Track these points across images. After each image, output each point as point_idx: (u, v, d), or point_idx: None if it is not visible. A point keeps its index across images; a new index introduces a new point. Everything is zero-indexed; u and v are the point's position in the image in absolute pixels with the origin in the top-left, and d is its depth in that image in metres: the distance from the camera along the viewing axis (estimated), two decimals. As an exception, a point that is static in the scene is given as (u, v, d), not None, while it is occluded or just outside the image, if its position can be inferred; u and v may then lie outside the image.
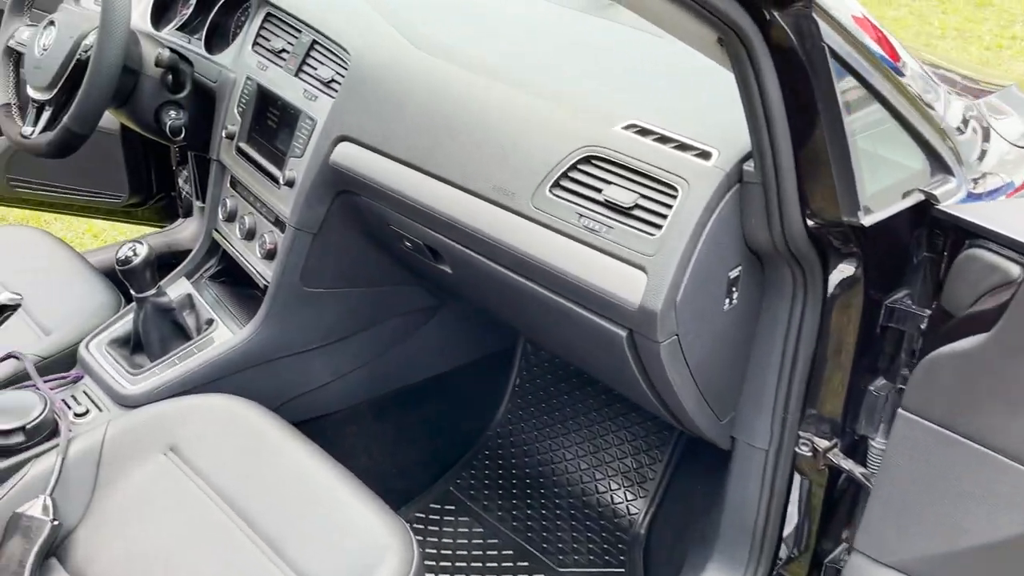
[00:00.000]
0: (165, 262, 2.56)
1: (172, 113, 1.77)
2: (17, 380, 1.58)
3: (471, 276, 1.38)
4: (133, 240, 1.54)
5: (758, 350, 1.25)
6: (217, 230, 1.78)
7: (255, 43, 1.72)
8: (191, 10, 1.93)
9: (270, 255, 1.59)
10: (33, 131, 1.72)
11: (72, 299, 1.78)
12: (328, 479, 1.26)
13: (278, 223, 1.59)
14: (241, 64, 1.72)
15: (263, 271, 1.61)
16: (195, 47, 1.86)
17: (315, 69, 1.54)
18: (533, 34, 1.55)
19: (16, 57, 1.84)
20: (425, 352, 1.87)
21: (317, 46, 1.56)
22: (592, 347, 1.22)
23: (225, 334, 1.60)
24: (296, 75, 1.58)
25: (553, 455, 1.93)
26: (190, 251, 2.59)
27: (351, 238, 1.56)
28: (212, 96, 1.79)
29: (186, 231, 2.60)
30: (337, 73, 1.50)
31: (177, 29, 1.95)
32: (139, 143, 2.53)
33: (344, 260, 1.59)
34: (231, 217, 1.72)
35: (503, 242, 1.21)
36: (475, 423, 2.00)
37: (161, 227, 2.78)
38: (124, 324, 1.66)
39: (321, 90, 1.51)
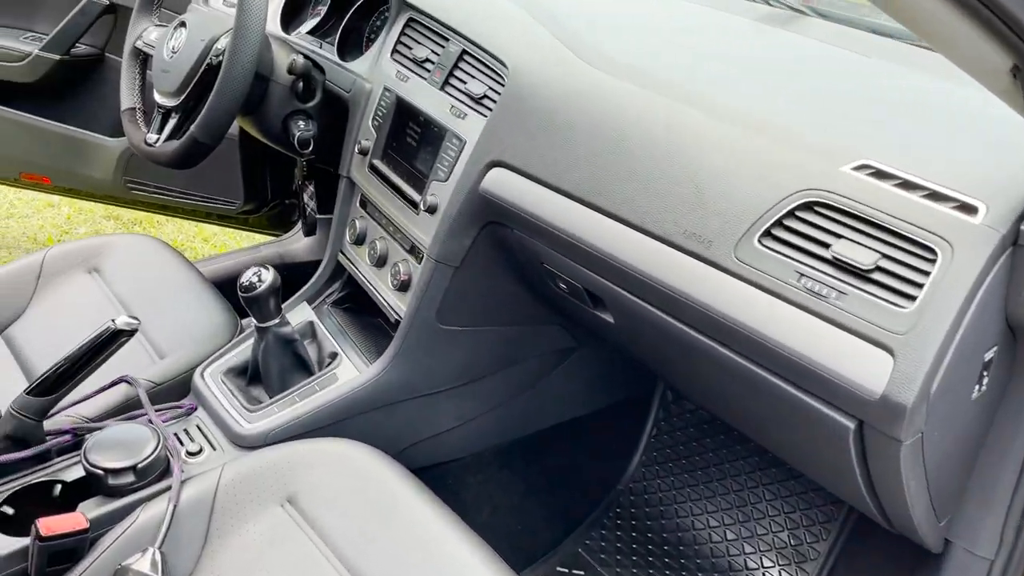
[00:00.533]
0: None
1: (301, 123, 1.64)
2: (128, 407, 1.47)
3: (640, 330, 1.19)
4: (258, 265, 1.41)
5: (997, 441, 1.02)
6: (343, 252, 1.64)
7: (395, 51, 1.57)
8: (324, 13, 1.80)
9: (403, 287, 1.43)
10: (158, 139, 1.61)
11: (187, 318, 1.67)
12: (450, 541, 1.10)
13: (414, 251, 1.43)
14: (378, 73, 1.57)
15: (395, 304, 1.46)
16: (327, 53, 1.73)
17: (464, 83, 1.38)
18: (716, 48, 1.35)
19: (143, 59, 1.74)
20: (556, 396, 1.69)
21: (467, 57, 1.40)
22: (798, 433, 1.02)
23: (350, 371, 1.45)
24: (442, 88, 1.42)
25: (695, 519, 1.72)
26: (305, 263, 2.52)
27: (495, 274, 1.39)
28: (344, 107, 1.65)
29: (301, 241, 2.50)
30: (491, 89, 1.33)
31: (308, 33, 1.83)
32: (257, 149, 2.44)
33: (485, 297, 1.42)
34: (359, 240, 1.57)
35: (693, 298, 1.01)
36: (606, 476, 1.81)
37: (275, 235, 2.70)
38: (242, 352, 1.53)
39: (471, 107, 1.35)
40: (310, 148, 1.64)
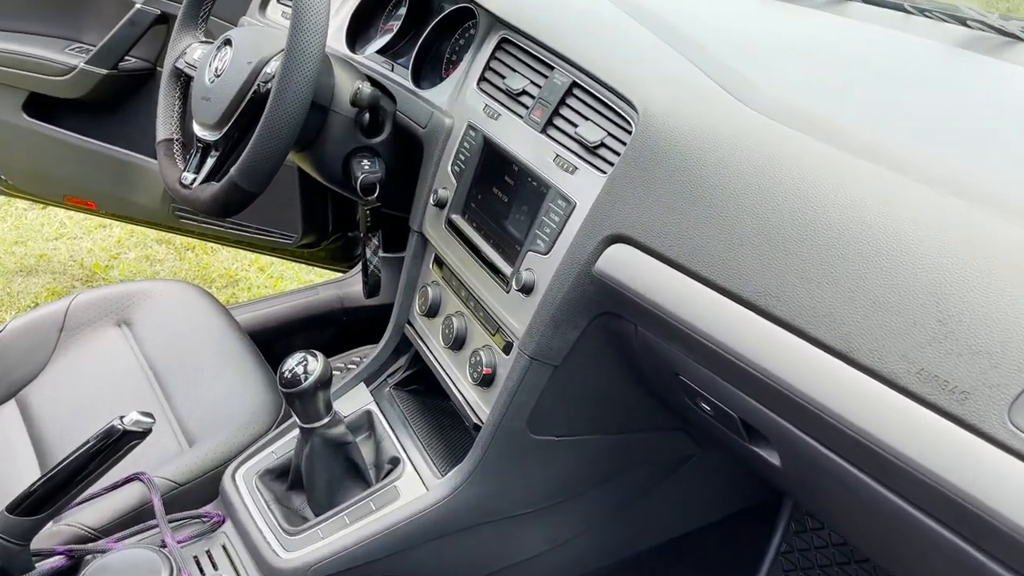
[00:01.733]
0: (334, 319, 2.20)
1: (365, 164, 1.34)
2: (143, 515, 1.19)
3: (822, 485, 0.85)
4: (304, 351, 1.11)
5: None
6: (411, 323, 1.33)
7: (483, 79, 1.26)
8: (397, 29, 1.51)
9: (485, 381, 1.12)
10: (194, 179, 1.33)
11: (223, 394, 1.39)
12: None
13: (501, 338, 1.12)
14: (461, 106, 1.27)
15: (474, 401, 1.15)
16: (399, 77, 1.44)
17: (575, 126, 1.06)
18: (916, 88, 1.00)
19: (185, 81, 1.47)
20: (665, 510, 1.36)
21: (578, 92, 1.08)
22: None
23: (415, 486, 1.14)
24: (544, 131, 1.10)
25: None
26: (370, 308, 2.23)
27: (607, 374, 1.07)
28: (418, 145, 1.35)
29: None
30: (611, 136, 1.01)
31: (378, 52, 1.53)
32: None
33: (592, 402, 1.10)
34: (432, 311, 1.27)
35: (930, 472, 0.67)
36: (723, 603, 1.47)
37: (337, 270, 2.42)
38: (283, 446, 1.24)
39: (584, 158, 1.03)
40: (375, 194, 1.34)
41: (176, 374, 1.46)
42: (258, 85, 1.27)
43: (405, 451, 1.20)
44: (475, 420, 1.12)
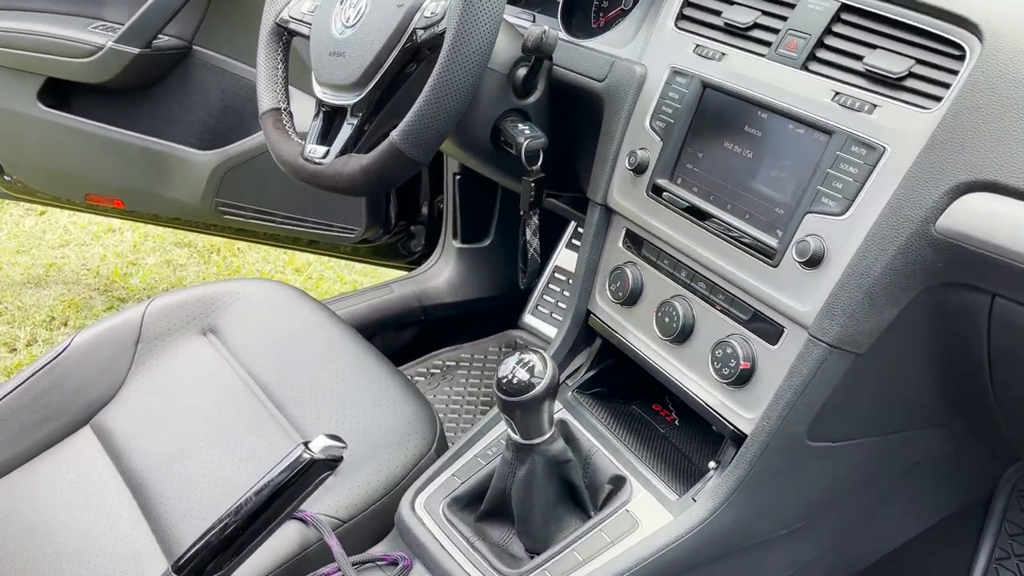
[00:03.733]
0: (413, 318, 1.96)
1: (524, 128, 1.12)
2: (306, 562, 0.96)
3: None
4: (529, 350, 0.89)
5: None
6: (594, 314, 1.12)
7: (682, 16, 1.05)
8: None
9: (742, 379, 0.91)
10: (326, 152, 1.10)
11: (361, 408, 1.16)
12: None
13: (760, 324, 0.91)
14: (657, 50, 1.06)
15: (724, 404, 0.93)
16: (548, 25, 1.22)
17: (859, 57, 0.86)
18: None
19: (287, 40, 1.24)
20: (892, 519, 1.17)
21: (850, 16, 0.88)
22: None
23: (655, 512, 0.92)
24: (805, 67, 0.90)
25: None
26: (450, 305, 2.00)
27: (916, 361, 0.87)
28: (582, 102, 1.14)
29: (440, 276, 1.99)
30: (923, 63, 0.81)
31: (509, 3, 1.32)
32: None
33: (883, 397, 0.90)
34: (631, 299, 1.05)
35: None
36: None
37: (395, 267, 2.19)
38: (465, 470, 1.02)
39: (886, 95, 0.83)
40: (540, 162, 1.13)
41: (290, 389, 1.23)
42: (414, 32, 1.04)
43: (625, 468, 0.98)
44: (733, 428, 0.91)
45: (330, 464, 0.82)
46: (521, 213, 1.16)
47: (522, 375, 0.86)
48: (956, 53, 0.79)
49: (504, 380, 0.86)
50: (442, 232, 2.01)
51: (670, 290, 1.02)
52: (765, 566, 1.01)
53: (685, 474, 0.99)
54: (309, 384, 1.22)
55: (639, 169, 1.04)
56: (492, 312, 1.98)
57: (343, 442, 0.84)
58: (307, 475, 0.82)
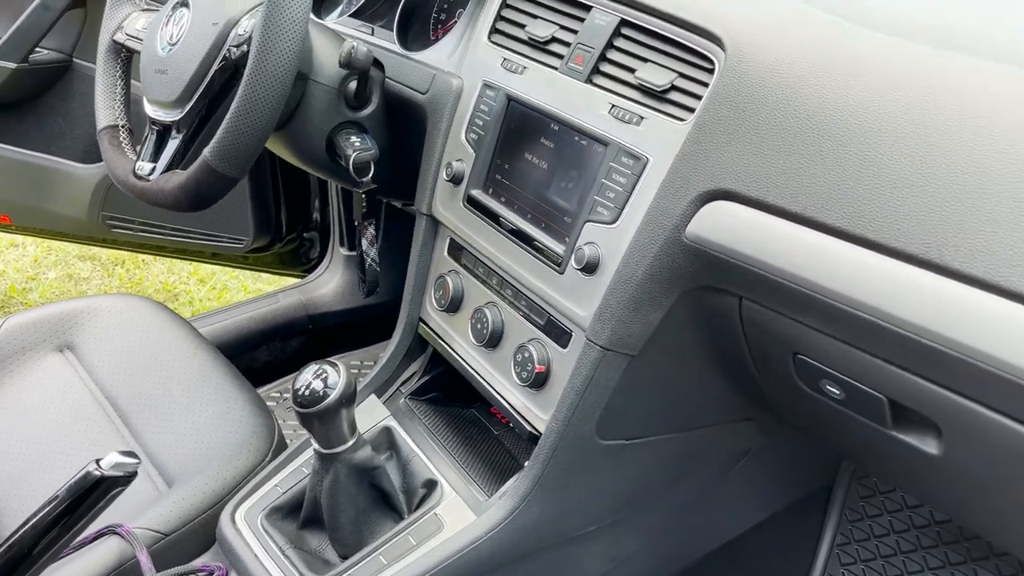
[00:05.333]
0: (300, 327, 1.98)
1: (355, 140, 1.14)
2: (125, 575, 0.98)
3: (990, 474, 0.70)
4: (320, 362, 0.91)
5: None
6: (424, 322, 1.15)
7: (495, 31, 1.09)
8: (373, -12, 1.32)
9: (539, 382, 0.94)
10: (153, 168, 1.11)
11: (203, 422, 1.18)
12: None
13: (553, 329, 0.94)
14: (472, 64, 1.09)
15: (525, 406, 0.97)
16: (383, 41, 1.25)
17: (631, 70, 0.89)
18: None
19: (126, 57, 1.25)
20: (722, 512, 1.21)
21: (629, 31, 0.92)
22: None
23: (461, 513, 0.96)
24: (589, 81, 0.93)
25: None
26: (337, 313, 2.01)
27: (690, 361, 0.91)
28: (413, 116, 1.16)
29: (329, 285, 2.00)
30: (684, 76, 0.85)
31: (351, 16, 1.34)
32: (267, 171, 1.95)
33: (667, 395, 0.94)
34: (453, 306, 1.08)
35: None
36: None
37: (290, 275, 2.20)
38: (287, 480, 1.04)
39: (650, 106, 0.86)
40: (370, 174, 1.15)
41: (140, 403, 1.24)
42: (228, 50, 1.06)
43: (440, 472, 1.01)
44: (530, 429, 0.95)
45: (123, 480, 0.84)
46: (356, 224, 1.19)
47: (317, 386, 0.88)
48: (708, 67, 0.82)
49: (299, 392, 0.89)
50: (330, 240, 2.03)
51: (484, 297, 1.05)
52: (581, 562, 1.04)
53: (506, 475, 1.01)
54: (157, 399, 1.23)
55: (456, 180, 1.07)
56: (382, 318, 2.00)
57: (137, 458, 0.85)
58: (96, 491, 0.83)
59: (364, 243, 1.20)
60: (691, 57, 0.84)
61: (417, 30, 1.29)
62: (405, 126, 1.19)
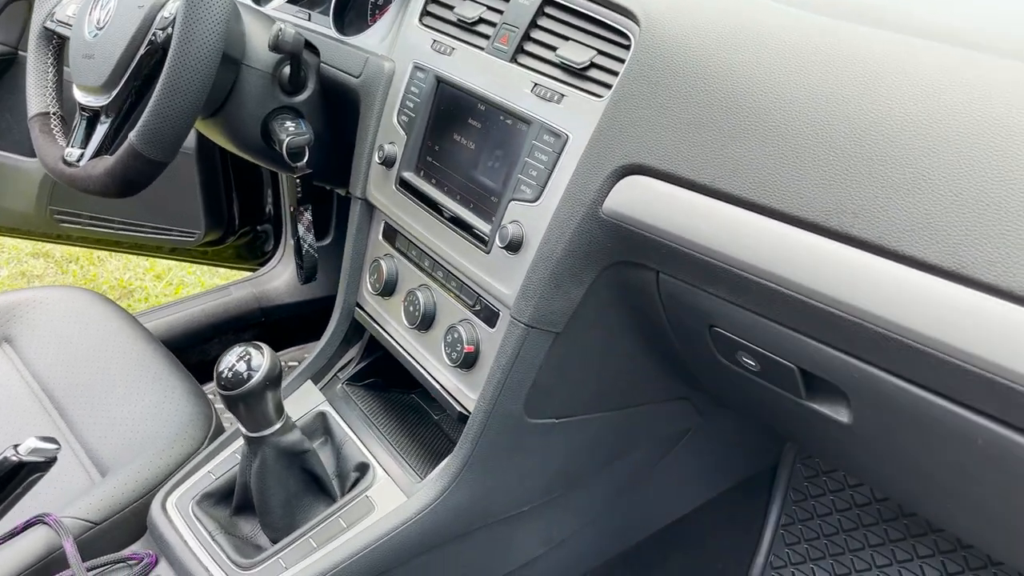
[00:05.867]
0: (252, 320, 1.96)
1: (289, 125, 1.14)
2: (53, 564, 0.97)
3: (898, 441, 0.71)
4: (245, 344, 0.91)
5: None
6: (361, 307, 1.14)
7: (425, 13, 1.08)
8: (310, -27, 1.31)
9: (468, 362, 0.94)
10: (81, 155, 1.10)
11: (139, 411, 1.17)
12: None
13: (482, 309, 0.94)
14: (403, 47, 1.09)
15: (455, 387, 0.97)
16: (318, 26, 1.24)
17: (553, 48, 0.89)
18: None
19: (58, 43, 1.23)
20: (662, 494, 1.22)
21: (551, 10, 0.92)
22: None
23: (392, 495, 0.95)
24: (513, 60, 0.93)
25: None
26: (289, 306, 2.00)
27: (613, 337, 0.91)
28: (347, 99, 1.16)
29: (282, 277, 1.99)
30: (602, 53, 0.85)
31: (288, 2, 1.33)
32: (219, 162, 1.93)
33: (594, 373, 0.94)
34: (388, 290, 1.08)
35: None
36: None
37: (246, 269, 2.18)
38: (221, 466, 1.03)
39: (571, 84, 0.87)
40: (305, 159, 1.14)
41: (77, 395, 1.22)
42: (154, 33, 1.05)
43: (373, 455, 1.01)
44: (459, 409, 0.95)
45: (40, 466, 0.83)
46: (291, 210, 1.18)
47: (240, 368, 0.88)
48: (625, 43, 0.83)
49: (222, 374, 0.88)
50: (283, 231, 2.01)
51: (417, 280, 1.04)
52: (516, 542, 1.04)
53: (434, 458, 1.01)
54: (93, 389, 1.22)
55: (388, 163, 1.06)
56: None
57: (56, 443, 0.84)
58: (15, 477, 0.82)
59: (301, 229, 1.19)
60: (609, 34, 0.85)
61: (353, 16, 1.28)
62: (341, 111, 1.19)
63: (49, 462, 0.84)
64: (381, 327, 1.09)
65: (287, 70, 1.13)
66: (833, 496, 1.33)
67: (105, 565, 0.94)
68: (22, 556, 0.96)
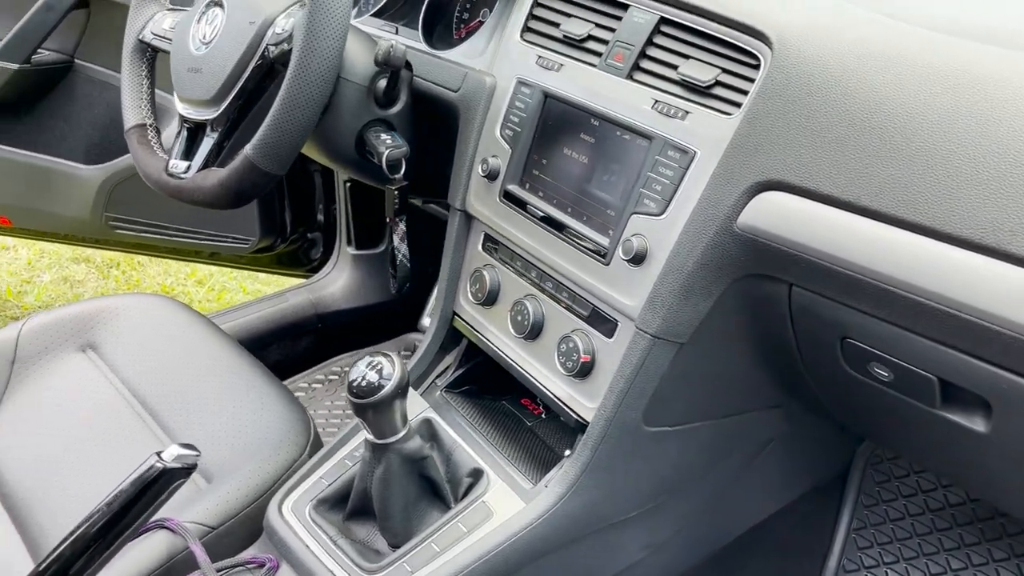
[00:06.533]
0: (309, 327, 1.98)
1: (386, 138, 1.16)
2: (176, 569, 0.99)
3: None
4: (373, 350, 0.93)
5: None
6: (459, 315, 1.16)
7: (527, 29, 1.11)
8: (395, -13, 1.33)
9: (584, 371, 0.96)
10: (188, 167, 1.12)
11: (240, 419, 1.19)
12: None
13: (597, 319, 0.97)
14: (505, 62, 1.11)
15: (570, 395, 0.99)
16: (409, 40, 1.26)
17: (674, 67, 0.92)
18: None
19: (151, 56, 1.25)
20: (749, 498, 1.25)
21: (668, 28, 0.94)
22: None
23: (510, 501, 0.98)
24: (630, 77, 0.96)
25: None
26: (345, 312, 2.02)
27: (736, 348, 0.94)
28: (442, 114, 1.18)
29: (338, 283, 2.01)
30: (727, 72, 0.87)
31: (372, 16, 1.36)
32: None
33: (711, 383, 0.97)
34: (490, 299, 1.10)
35: None
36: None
37: (293, 275, 2.20)
38: (332, 472, 1.05)
39: (696, 101, 0.89)
40: (402, 171, 1.17)
41: (169, 401, 1.24)
42: (266, 48, 1.07)
43: (483, 461, 1.03)
44: (576, 417, 0.97)
45: (183, 472, 0.85)
46: (387, 220, 1.20)
47: (372, 377, 0.90)
48: (753, 63, 0.85)
49: (354, 383, 0.90)
50: (336, 239, 2.04)
51: (523, 290, 1.07)
52: (620, 547, 1.07)
53: (547, 464, 1.04)
54: (187, 396, 1.23)
55: (491, 176, 1.09)
56: (390, 316, 2.02)
57: (196, 450, 0.86)
58: (160, 484, 0.84)
59: (395, 239, 1.22)
60: (735, 54, 0.87)
61: (441, 29, 1.31)
62: (431, 123, 1.21)
63: (190, 468, 0.86)
64: (483, 335, 1.12)
65: (382, 83, 1.16)
66: (906, 501, 1.36)
67: (233, 567, 0.96)
68: (146, 560, 0.98)
